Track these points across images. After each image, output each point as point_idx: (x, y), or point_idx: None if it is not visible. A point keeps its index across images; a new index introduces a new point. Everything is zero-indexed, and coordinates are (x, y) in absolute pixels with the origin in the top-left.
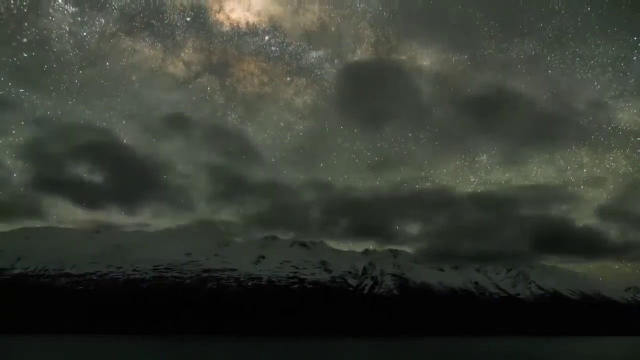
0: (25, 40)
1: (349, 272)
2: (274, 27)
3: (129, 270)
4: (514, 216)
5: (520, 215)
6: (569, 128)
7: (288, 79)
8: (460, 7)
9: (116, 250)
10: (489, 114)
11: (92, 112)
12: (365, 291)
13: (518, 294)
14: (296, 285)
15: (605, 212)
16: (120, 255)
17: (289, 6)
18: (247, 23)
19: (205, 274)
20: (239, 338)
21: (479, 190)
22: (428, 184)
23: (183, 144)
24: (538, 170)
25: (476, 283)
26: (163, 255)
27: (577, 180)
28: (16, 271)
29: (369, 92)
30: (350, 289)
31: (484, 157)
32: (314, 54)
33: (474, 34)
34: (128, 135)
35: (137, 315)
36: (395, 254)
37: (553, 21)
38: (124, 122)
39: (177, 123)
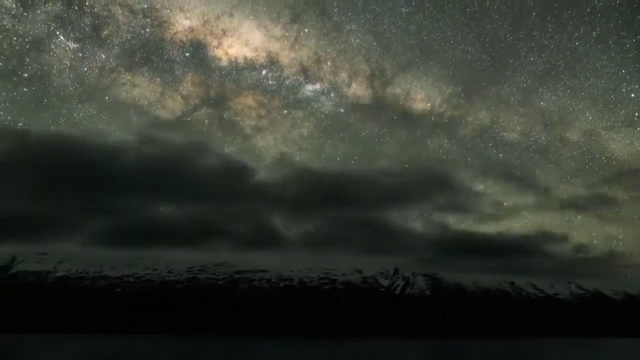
0: (26, 75)
1: (381, 273)
2: (271, 62)
3: (164, 272)
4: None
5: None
6: (563, 159)
7: (285, 111)
8: (452, 42)
9: (151, 252)
10: (483, 145)
11: (90, 145)
12: (397, 292)
13: (557, 294)
14: (327, 286)
15: None
16: (156, 257)
17: (285, 42)
18: (245, 58)
19: (238, 275)
20: (272, 338)
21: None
22: (426, 214)
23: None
24: (535, 202)
25: (512, 283)
26: (196, 257)
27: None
28: (59, 274)
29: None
30: (382, 289)
31: (481, 186)
32: (310, 87)
33: (467, 68)
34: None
35: (173, 316)
36: (427, 253)
37: (543, 55)
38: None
39: (175, 154)
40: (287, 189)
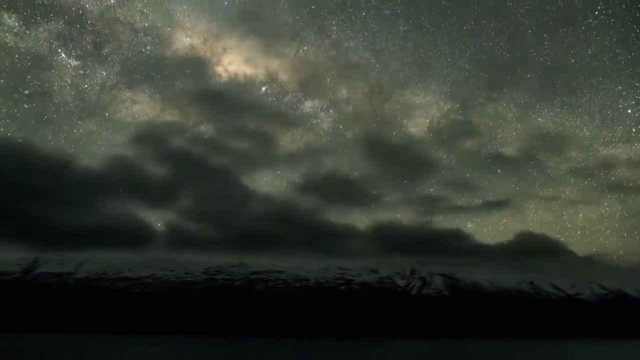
0: (27, 92)
1: (397, 273)
2: (271, 78)
3: (182, 273)
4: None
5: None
6: (562, 174)
7: (284, 128)
8: (449, 59)
9: (170, 253)
10: (482, 160)
11: (90, 160)
12: (414, 292)
13: (578, 294)
14: (343, 287)
15: None
16: (173, 258)
17: (285, 59)
18: (245, 75)
19: (254, 276)
20: (288, 339)
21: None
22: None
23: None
24: (534, 216)
25: (531, 282)
26: (212, 258)
27: (573, 226)
28: (79, 275)
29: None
30: (399, 289)
31: (479, 202)
32: (309, 103)
33: (464, 85)
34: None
35: (191, 316)
36: (443, 253)
37: (540, 72)
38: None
39: (176, 171)
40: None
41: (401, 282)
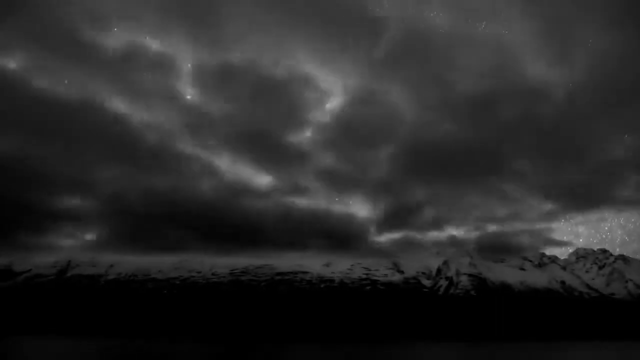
0: None
1: (423, 273)
2: None
3: (208, 275)
4: None
5: None
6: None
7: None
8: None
9: (195, 255)
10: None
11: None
12: (440, 292)
13: (613, 294)
14: (368, 287)
15: None
16: (199, 260)
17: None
18: None
19: (279, 277)
20: (312, 341)
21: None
22: None
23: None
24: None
25: (562, 282)
26: (238, 260)
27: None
28: (110, 277)
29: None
30: (425, 290)
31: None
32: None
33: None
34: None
35: (218, 318)
36: (470, 253)
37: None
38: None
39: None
40: None
41: (427, 283)
